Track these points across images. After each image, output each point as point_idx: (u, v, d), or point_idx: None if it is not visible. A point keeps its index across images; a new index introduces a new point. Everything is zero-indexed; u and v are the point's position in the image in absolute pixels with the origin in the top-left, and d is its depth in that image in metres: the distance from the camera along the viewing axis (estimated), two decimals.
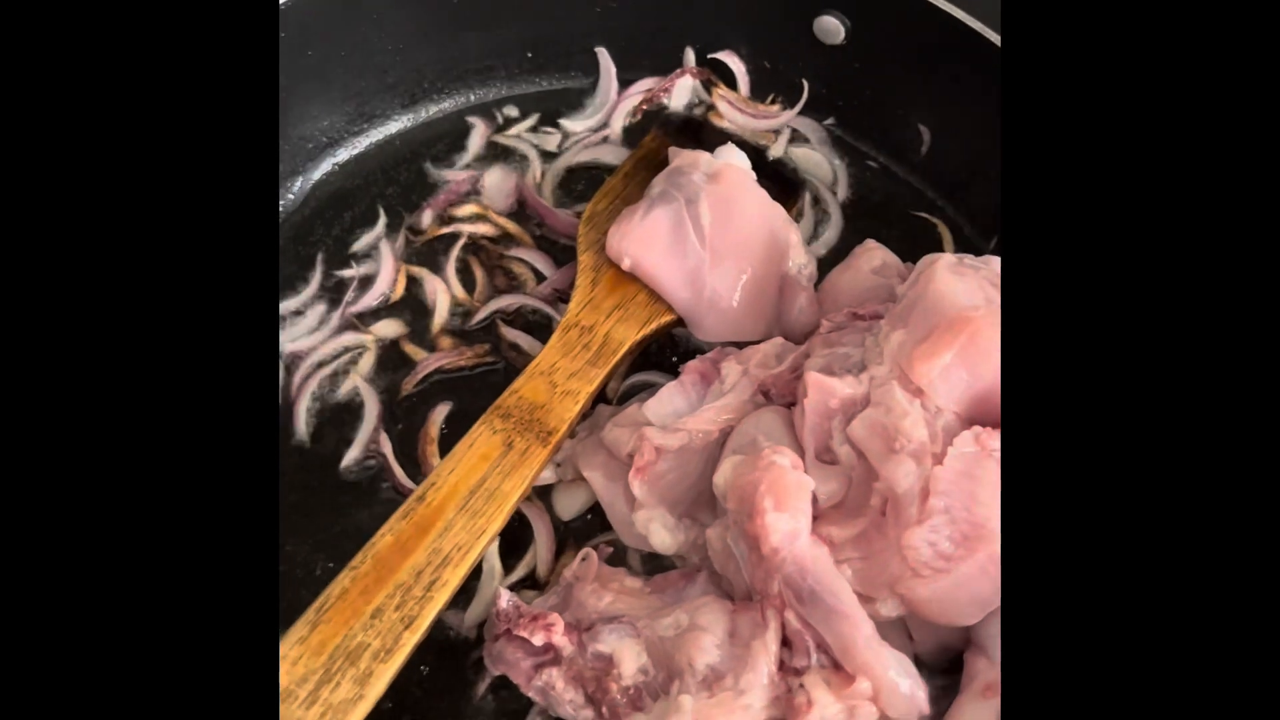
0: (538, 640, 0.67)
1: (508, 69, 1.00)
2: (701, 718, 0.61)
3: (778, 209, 0.86)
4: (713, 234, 0.82)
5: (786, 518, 0.64)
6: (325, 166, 0.96)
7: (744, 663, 0.62)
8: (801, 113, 0.99)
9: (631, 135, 0.99)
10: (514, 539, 0.77)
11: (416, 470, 0.80)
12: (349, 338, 0.86)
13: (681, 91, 1.01)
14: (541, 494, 0.79)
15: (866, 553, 0.65)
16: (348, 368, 0.85)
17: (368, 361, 0.85)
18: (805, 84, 0.98)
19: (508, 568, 0.76)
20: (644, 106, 1.01)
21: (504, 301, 0.88)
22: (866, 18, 0.90)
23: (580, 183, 0.97)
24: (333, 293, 0.89)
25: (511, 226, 0.93)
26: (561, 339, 0.81)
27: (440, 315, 0.87)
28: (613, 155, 0.98)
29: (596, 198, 0.91)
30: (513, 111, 1.01)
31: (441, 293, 0.88)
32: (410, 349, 0.86)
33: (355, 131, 0.97)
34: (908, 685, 0.62)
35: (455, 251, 0.91)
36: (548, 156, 0.98)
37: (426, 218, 0.93)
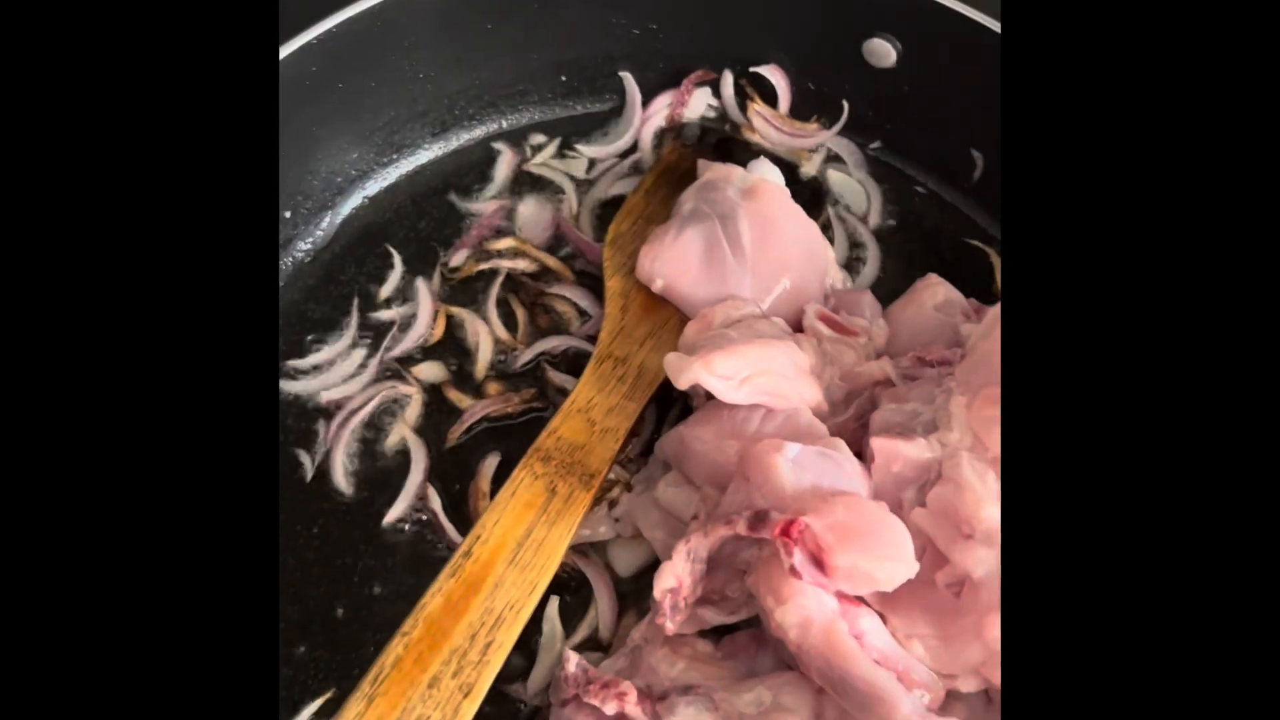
0: (610, 709, 0.65)
1: (540, 93, 0.97)
2: None
3: (813, 225, 0.84)
4: (752, 253, 0.79)
5: (791, 609, 0.61)
6: (355, 200, 0.92)
7: None
8: (844, 135, 0.96)
9: None
10: (573, 598, 0.75)
11: (468, 527, 0.76)
12: (390, 384, 0.83)
13: (697, 103, 0.98)
14: (599, 549, 0.77)
15: (942, 634, 0.63)
16: (391, 417, 0.82)
17: (414, 410, 0.82)
18: (846, 105, 0.95)
19: (569, 629, 0.74)
20: (668, 125, 0.97)
21: (549, 343, 0.85)
22: (920, 42, 0.87)
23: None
24: (370, 336, 0.85)
25: (551, 261, 0.89)
26: (595, 372, 0.78)
27: (484, 358, 0.84)
28: None
29: (619, 218, 0.88)
30: (540, 138, 0.97)
31: (484, 335, 0.85)
32: (454, 395, 0.83)
33: (385, 163, 0.93)
34: None
35: (495, 289, 0.88)
36: (582, 186, 0.95)
37: (462, 254, 0.89)
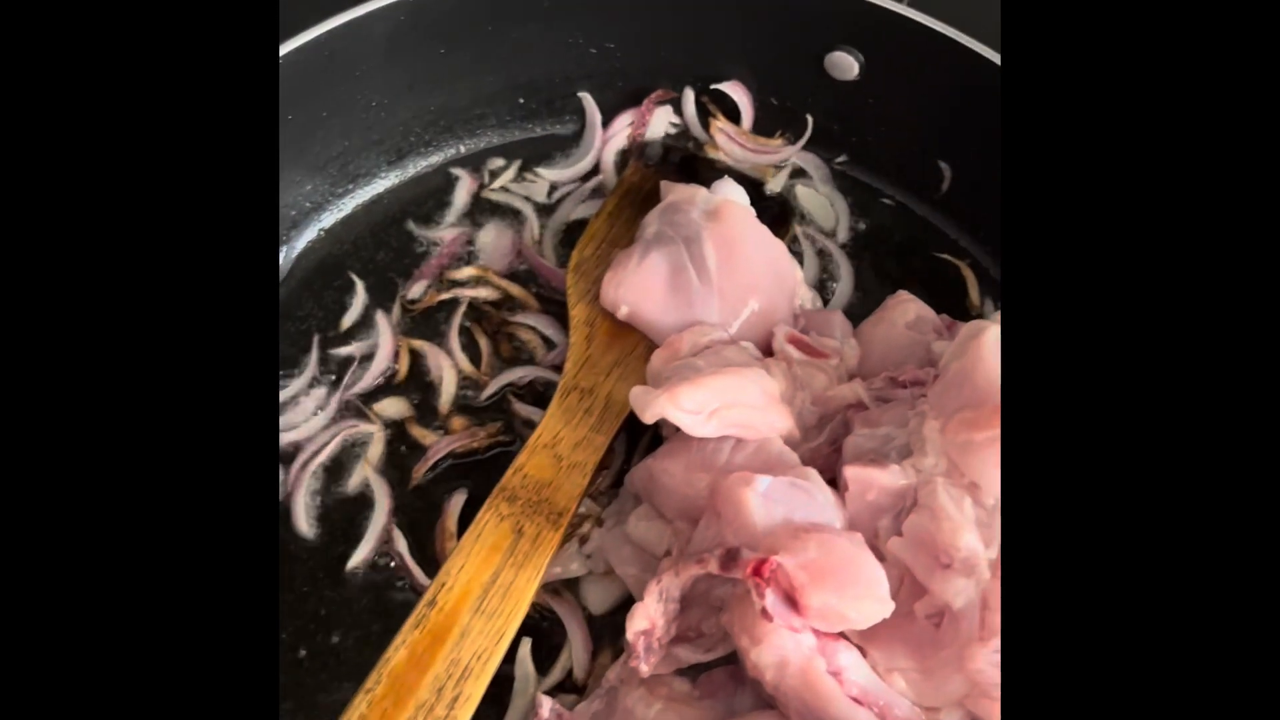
0: None
1: (498, 116, 0.95)
2: None
3: (779, 245, 0.82)
4: (718, 276, 0.77)
5: (767, 649, 0.60)
6: (310, 234, 0.90)
7: None
8: (810, 149, 0.95)
9: None
10: (546, 638, 0.72)
11: (435, 569, 0.74)
12: (351, 423, 0.80)
13: (659, 122, 0.96)
14: (571, 586, 0.75)
15: (923, 666, 0.61)
16: (354, 457, 0.79)
17: (377, 449, 0.79)
18: (810, 119, 0.93)
19: (542, 671, 0.72)
20: (630, 145, 0.95)
21: (514, 374, 0.83)
22: (882, 54, 0.86)
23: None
24: (330, 373, 0.83)
25: (514, 289, 0.87)
26: (561, 405, 0.76)
27: (448, 392, 0.82)
28: None
29: (581, 243, 0.86)
30: (499, 162, 0.95)
31: (447, 368, 0.83)
32: (418, 432, 0.80)
33: (340, 193, 0.91)
34: None
35: (457, 319, 0.85)
36: (543, 211, 0.92)
37: (422, 284, 0.87)
